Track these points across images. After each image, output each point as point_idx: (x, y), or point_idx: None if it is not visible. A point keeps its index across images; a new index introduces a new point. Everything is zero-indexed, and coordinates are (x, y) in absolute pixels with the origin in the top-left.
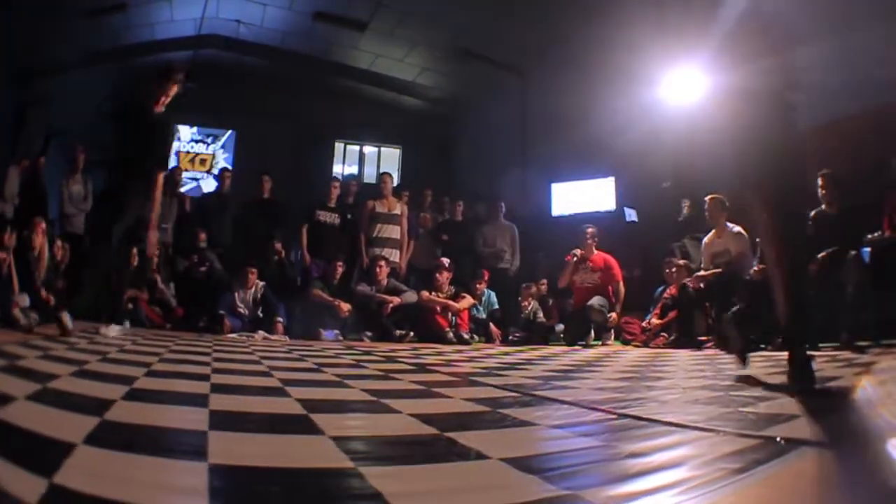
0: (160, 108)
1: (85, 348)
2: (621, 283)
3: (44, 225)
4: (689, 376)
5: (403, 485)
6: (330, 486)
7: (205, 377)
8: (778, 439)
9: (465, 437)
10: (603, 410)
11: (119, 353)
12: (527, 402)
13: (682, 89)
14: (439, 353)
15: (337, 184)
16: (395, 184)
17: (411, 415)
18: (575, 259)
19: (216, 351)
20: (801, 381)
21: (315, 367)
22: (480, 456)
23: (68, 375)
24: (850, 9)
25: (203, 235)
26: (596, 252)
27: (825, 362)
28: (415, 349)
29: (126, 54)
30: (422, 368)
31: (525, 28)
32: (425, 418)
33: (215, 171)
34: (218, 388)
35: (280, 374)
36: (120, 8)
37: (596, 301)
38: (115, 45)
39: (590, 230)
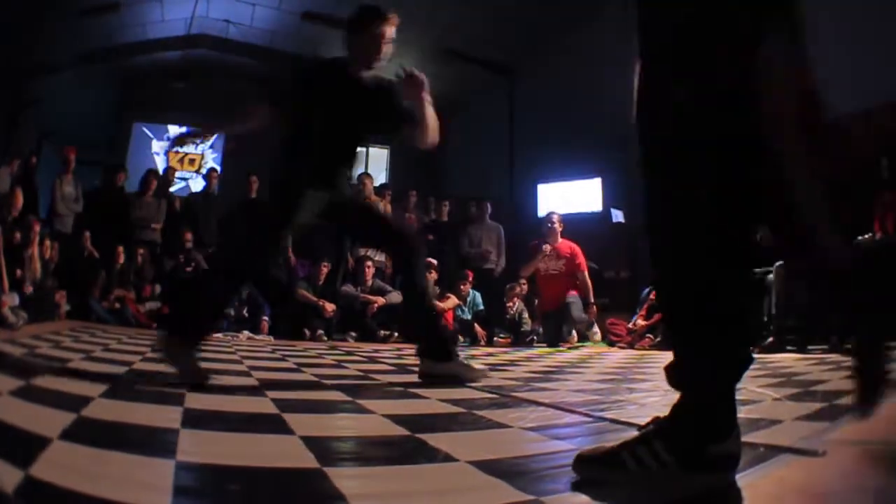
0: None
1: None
2: (587, 273)
3: (38, 225)
4: None
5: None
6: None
7: None
8: (761, 449)
9: (435, 439)
10: (580, 413)
11: (103, 352)
12: (503, 404)
13: None
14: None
15: None
16: (375, 184)
17: (385, 415)
18: (544, 253)
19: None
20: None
21: (295, 367)
22: (449, 458)
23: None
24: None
25: (189, 236)
26: (562, 239)
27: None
28: (398, 349)
29: (118, 54)
30: (402, 369)
31: (513, 29)
32: (398, 419)
33: (204, 171)
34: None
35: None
36: (113, 8)
37: (573, 299)
38: (107, 45)
39: (555, 216)
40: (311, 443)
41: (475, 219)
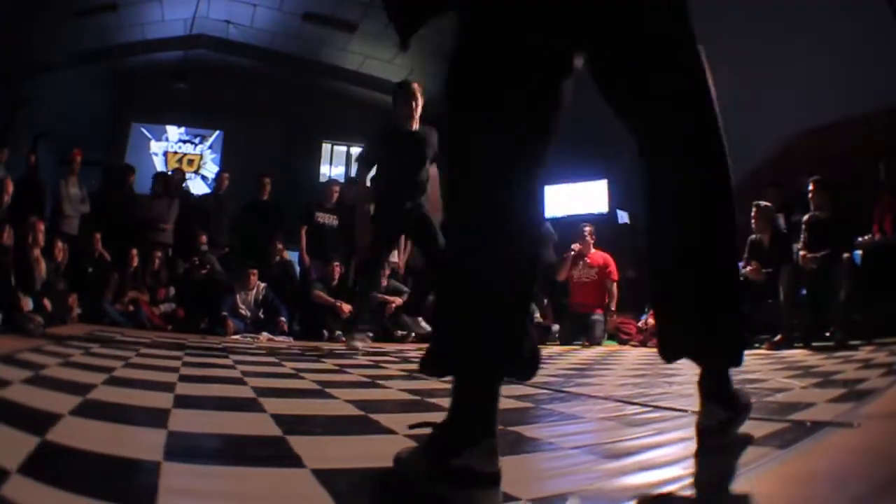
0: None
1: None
2: (615, 284)
3: (42, 225)
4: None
5: None
6: None
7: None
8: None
9: (529, 430)
10: (638, 403)
11: (138, 357)
12: (561, 399)
13: None
14: None
15: (336, 186)
16: None
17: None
18: (573, 254)
19: (230, 353)
20: None
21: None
22: (558, 447)
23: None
24: (837, 18)
25: (204, 238)
26: (594, 250)
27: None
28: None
29: (115, 54)
30: None
31: None
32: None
33: (203, 172)
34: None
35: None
36: (111, 8)
37: (598, 317)
38: (105, 45)
39: (587, 228)
40: None
41: None
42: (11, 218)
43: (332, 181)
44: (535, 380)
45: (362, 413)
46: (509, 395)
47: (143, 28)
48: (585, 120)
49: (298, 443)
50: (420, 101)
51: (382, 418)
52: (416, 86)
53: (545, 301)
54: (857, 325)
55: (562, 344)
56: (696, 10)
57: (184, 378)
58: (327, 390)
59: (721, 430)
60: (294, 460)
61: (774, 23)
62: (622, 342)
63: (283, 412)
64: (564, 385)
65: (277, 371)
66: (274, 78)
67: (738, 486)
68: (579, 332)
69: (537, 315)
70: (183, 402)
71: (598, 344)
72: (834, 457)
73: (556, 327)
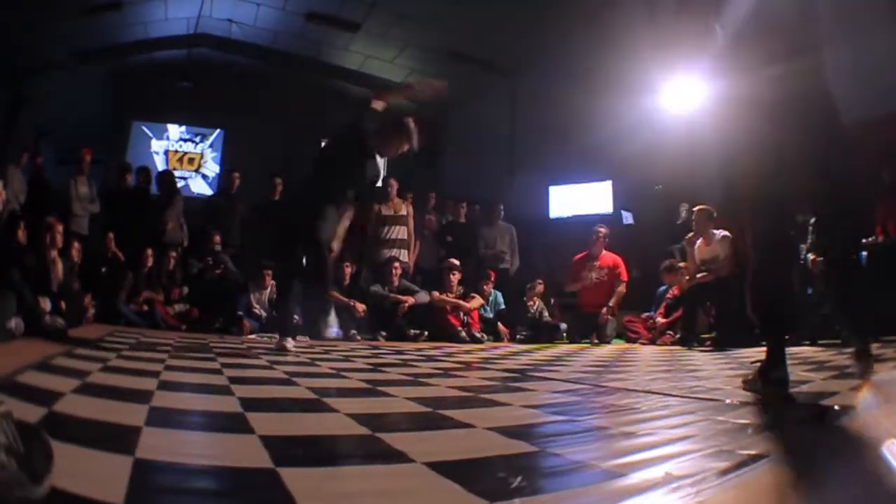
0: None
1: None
2: (624, 284)
3: (61, 226)
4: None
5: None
6: None
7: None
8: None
9: (604, 421)
10: (676, 396)
11: (174, 360)
12: (601, 393)
13: (680, 94)
14: (469, 352)
15: None
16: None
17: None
18: (584, 261)
19: (259, 354)
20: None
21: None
22: (632, 435)
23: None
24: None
25: (217, 238)
26: (605, 252)
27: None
28: (464, 349)
29: (119, 53)
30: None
31: (516, 31)
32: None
33: (204, 171)
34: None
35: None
36: (115, 6)
37: (609, 323)
38: (109, 43)
39: (602, 230)
40: None
41: (488, 220)
42: (24, 219)
43: None
44: (569, 375)
45: (430, 409)
46: (554, 391)
47: (146, 27)
48: (591, 122)
49: (402, 440)
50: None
51: (456, 413)
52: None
53: (552, 300)
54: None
55: (570, 342)
56: None
57: (235, 380)
58: (380, 388)
59: None
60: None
61: None
62: (630, 341)
63: (359, 412)
64: (598, 381)
65: (317, 371)
66: (275, 77)
67: None
68: (588, 331)
69: (546, 314)
70: (252, 405)
71: (608, 342)
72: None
73: (563, 326)
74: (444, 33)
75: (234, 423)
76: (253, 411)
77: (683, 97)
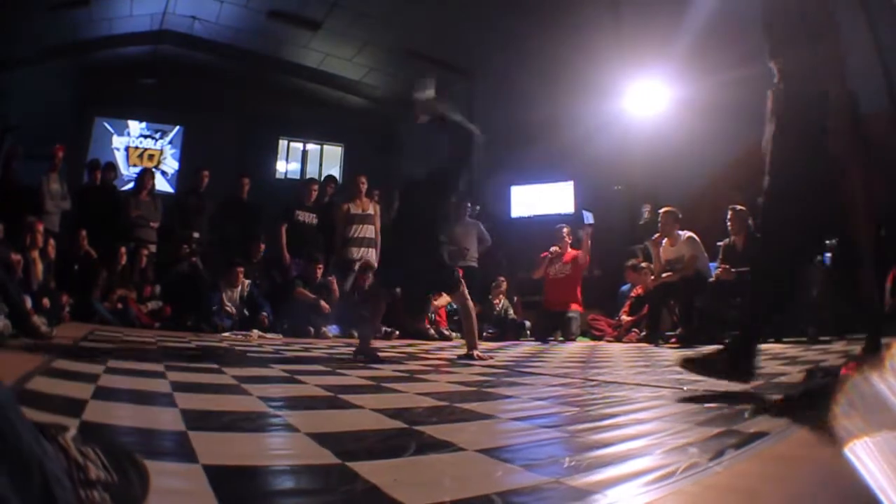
0: None
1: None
2: (587, 261)
3: (41, 226)
4: None
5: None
6: None
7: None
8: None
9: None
10: (677, 388)
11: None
12: (598, 387)
13: (643, 97)
14: (441, 349)
15: (315, 185)
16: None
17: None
18: (551, 256)
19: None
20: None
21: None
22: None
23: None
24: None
25: (196, 234)
26: (569, 249)
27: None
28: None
29: (83, 49)
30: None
31: (475, 32)
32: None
33: (163, 167)
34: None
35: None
36: (83, 3)
37: (574, 314)
38: (73, 39)
39: (566, 229)
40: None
41: (455, 218)
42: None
43: (311, 180)
44: (557, 371)
45: (446, 403)
46: (561, 385)
47: (110, 23)
48: (553, 123)
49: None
50: None
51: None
52: None
53: (515, 299)
54: (826, 323)
55: (536, 340)
56: None
57: (245, 380)
58: (384, 385)
59: None
60: (452, 446)
61: None
62: (595, 338)
63: (383, 406)
64: (587, 376)
65: (317, 370)
66: (234, 74)
67: None
68: (553, 328)
69: (511, 312)
70: (288, 403)
71: (573, 340)
72: None
73: (528, 324)
74: (403, 32)
75: (284, 427)
76: (292, 410)
77: (646, 100)
